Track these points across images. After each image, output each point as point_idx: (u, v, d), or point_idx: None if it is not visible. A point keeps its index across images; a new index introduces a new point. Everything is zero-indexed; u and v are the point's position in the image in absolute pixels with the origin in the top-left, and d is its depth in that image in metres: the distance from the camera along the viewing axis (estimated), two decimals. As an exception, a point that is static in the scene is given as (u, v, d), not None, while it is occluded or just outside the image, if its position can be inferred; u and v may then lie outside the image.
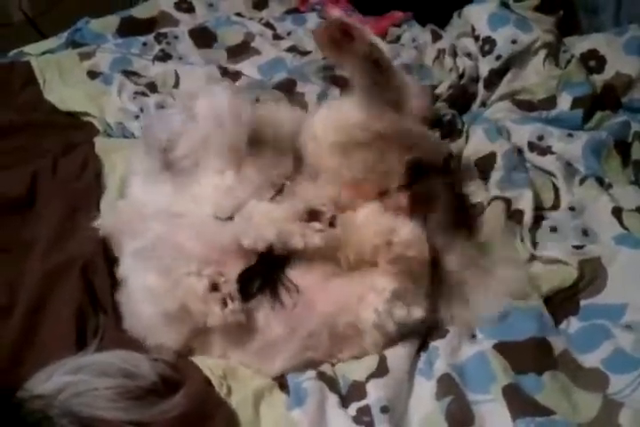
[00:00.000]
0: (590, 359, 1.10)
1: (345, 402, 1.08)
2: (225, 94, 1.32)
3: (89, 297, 1.21)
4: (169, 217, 1.24)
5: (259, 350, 1.13)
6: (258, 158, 1.28)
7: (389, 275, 1.13)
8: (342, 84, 1.83)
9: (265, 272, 1.16)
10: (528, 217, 1.35)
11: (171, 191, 1.27)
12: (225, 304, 1.10)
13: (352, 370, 1.13)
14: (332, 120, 1.27)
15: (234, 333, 1.13)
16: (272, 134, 1.32)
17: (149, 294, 1.14)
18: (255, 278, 1.15)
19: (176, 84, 1.90)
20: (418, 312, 1.14)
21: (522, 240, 1.31)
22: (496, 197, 1.39)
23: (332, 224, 1.17)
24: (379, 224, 1.18)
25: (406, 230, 1.16)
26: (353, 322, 1.13)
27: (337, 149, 1.26)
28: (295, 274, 1.16)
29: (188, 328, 1.13)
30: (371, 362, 1.13)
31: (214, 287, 1.11)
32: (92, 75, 1.92)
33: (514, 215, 1.36)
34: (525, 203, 1.37)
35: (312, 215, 1.17)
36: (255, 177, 1.26)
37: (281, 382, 1.12)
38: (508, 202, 1.37)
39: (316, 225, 1.16)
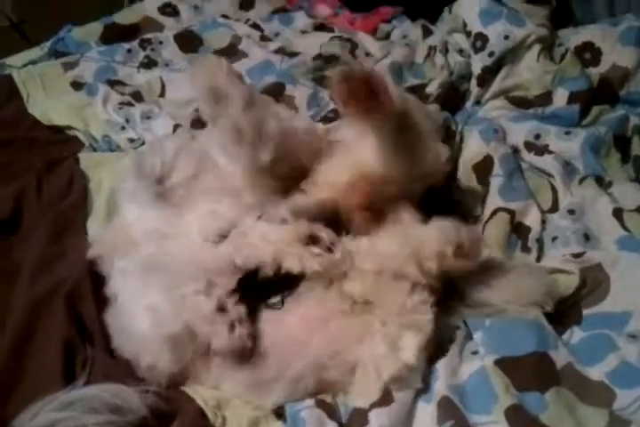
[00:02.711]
0: (595, 372, 1.07)
1: (345, 431, 1.05)
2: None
3: (76, 327, 1.17)
4: (160, 238, 1.19)
5: (251, 384, 1.10)
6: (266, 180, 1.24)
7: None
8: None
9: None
10: (536, 231, 1.33)
11: (163, 218, 1.22)
12: (233, 328, 1.06)
13: (354, 398, 1.09)
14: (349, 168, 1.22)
15: (231, 362, 1.09)
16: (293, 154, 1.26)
17: (150, 311, 1.10)
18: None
19: (162, 93, 1.85)
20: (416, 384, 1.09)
21: (525, 251, 1.29)
22: (499, 209, 1.35)
23: (330, 250, 1.12)
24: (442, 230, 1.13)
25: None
26: (344, 371, 1.09)
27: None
28: (297, 308, 1.13)
29: (187, 351, 1.09)
30: (374, 390, 1.08)
31: (222, 309, 1.07)
32: (76, 85, 1.88)
33: (518, 227, 1.33)
34: (533, 218, 1.35)
35: (311, 240, 1.13)
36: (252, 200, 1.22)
37: (277, 411, 1.09)
38: (512, 213, 1.35)
39: (315, 249, 1.12)
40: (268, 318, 1.12)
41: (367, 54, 1.93)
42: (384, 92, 1.07)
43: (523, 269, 1.21)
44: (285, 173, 1.24)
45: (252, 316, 1.11)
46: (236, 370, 1.09)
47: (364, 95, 1.06)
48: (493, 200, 1.38)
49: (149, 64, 1.96)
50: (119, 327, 1.15)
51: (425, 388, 1.08)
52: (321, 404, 1.07)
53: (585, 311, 1.18)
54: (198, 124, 1.74)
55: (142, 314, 1.10)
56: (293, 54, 1.94)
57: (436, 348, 1.13)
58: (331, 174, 1.25)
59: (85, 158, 1.61)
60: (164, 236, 1.19)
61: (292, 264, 1.11)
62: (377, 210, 1.21)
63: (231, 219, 1.18)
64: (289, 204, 1.20)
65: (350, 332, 1.10)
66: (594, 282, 1.20)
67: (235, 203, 1.20)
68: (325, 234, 1.15)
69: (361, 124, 1.18)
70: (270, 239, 1.13)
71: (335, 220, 1.19)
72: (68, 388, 1.05)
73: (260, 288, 1.13)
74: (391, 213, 1.22)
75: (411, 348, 1.08)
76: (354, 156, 1.26)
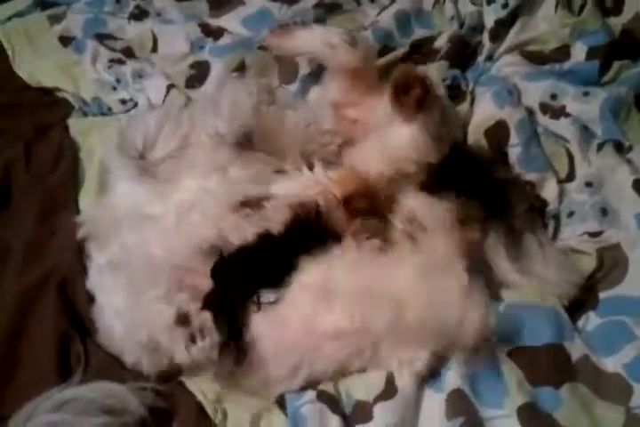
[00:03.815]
0: (611, 364, 1.02)
1: (348, 424, 1.01)
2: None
3: (70, 318, 1.13)
4: (141, 222, 1.13)
5: (258, 382, 1.05)
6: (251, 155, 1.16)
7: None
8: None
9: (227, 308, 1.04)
10: (553, 206, 1.26)
11: (151, 195, 1.16)
12: (194, 340, 1.00)
13: (356, 387, 1.05)
14: (385, 154, 1.15)
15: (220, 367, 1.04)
16: (274, 138, 1.19)
17: (118, 317, 1.06)
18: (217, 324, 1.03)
19: (154, 48, 1.75)
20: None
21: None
22: (521, 181, 1.28)
23: (260, 206, 1.07)
24: None
25: None
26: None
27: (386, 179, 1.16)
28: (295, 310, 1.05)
29: (161, 358, 1.04)
30: (377, 380, 1.04)
31: (184, 319, 1.01)
32: (64, 41, 1.78)
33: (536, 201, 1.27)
34: (550, 190, 1.28)
35: (245, 204, 1.08)
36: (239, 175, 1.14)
37: (280, 402, 1.05)
38: (532, 186, 1.28)
39: (246, 211, 1.06)
40: (265, 322, 1.05)
41: (372, 1, 1.81)
42: (432, 91, 1.10)
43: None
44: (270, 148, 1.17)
45: (243, 312, 1.04)
46: (237, 371, 1.04)
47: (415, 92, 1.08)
48: (515, 172, 1.31)
49: (140, 15, 1.85)
50: (100, 327, 1.11)
51: (433, 376, 1.04)
52: (322, 396, 1.03)
53: (601, 295, 1.12)
54: (194, 81, 1.65)
55: (114, 318, 1.06)
56: (293, 1, 1.81)
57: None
58: (366, 162, 1.18)
59: (75, 124, 1.53)
60: (149, 218, 1.12)
61: (233, 238, 1.06)
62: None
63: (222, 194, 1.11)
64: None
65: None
66: (611, 263, 1.14)
67: (222, 179, 1.13)
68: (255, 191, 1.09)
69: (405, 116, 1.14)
70: (208, 216, 1.07)
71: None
72: (62, 385, 1.02)
73: (250, 281, 1.07)
74: None
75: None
76: (389, 142, 1.18)
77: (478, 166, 1.22)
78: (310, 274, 1.05)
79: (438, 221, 1.11)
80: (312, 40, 1.26)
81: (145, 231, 1.11)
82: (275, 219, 1.05)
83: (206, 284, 1.05)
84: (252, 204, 1.07)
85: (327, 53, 1.23)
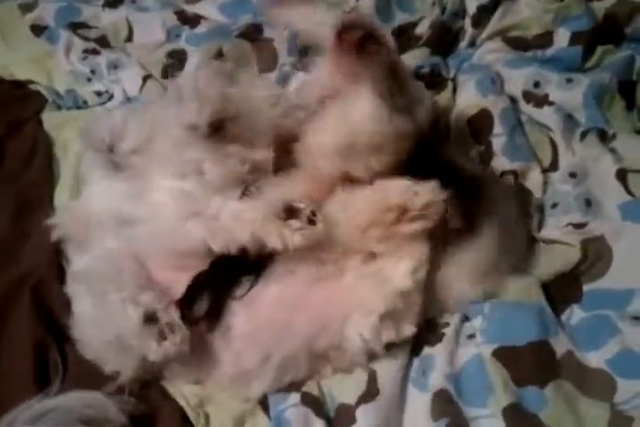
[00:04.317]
0: (595, 359, 1.01)
1: (332, 427, 1.00)
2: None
3: (46, 324, 1.11)
4: (121, 223, 1.10)
5: (232, 376, 1.04)
6: (224, 149, 1.12)
7: (380, 293, 1.01)
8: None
9: (215, 286, 1.04)
10: (536, 196, 1.24)
11: (125, 194, 1.13)
12: (164, 337, 0.98)
13: (340, 389, 1.04)
14: (342, 127, 1.10)
15: (198, 361, 1.03)
16: (245, 122, 1.15)
17: (88, 322, 1.05)
18: (203, 295, 1.03)
19: (129, 37, 1.71)
20: (408, 329, 1.03)
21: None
22: (506, 172, 1.27)
23: (311, 221, 1.03)
24: (398, 185, 1.05)
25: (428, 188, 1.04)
26: (335, 343, 1.02)
27: (342, 153, 1.10)
28: (270, 287, 1.04)
29: (135, 360, 1.02)
30: (360, 380, 1.03)
31: (151, 317, 0.99)
32: (37, 30, 1.74)
33: (520, 190, 1.25)
34: (534, 180, 1.26)
35: (289, 213, 1.04)
36: (219, 173, 1.11)
37: (263, 405, 1.04)
38: (515, 175, 1.27)
39: (295, 223, 1.03)
40: (239, 304, 1.04)
41: (353, -16, 1.76)
42: (384, 40, 1.02)
43: None
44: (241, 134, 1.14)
45: (220, 303, 1.03)
46: (213, 364, 1.03)
47: (364, 44, 1.01)
48: (498, 161, 1.29)
49: (115, 2, 1.81)
50: (77, 333, 1.09)
51: (418, 374, 1.04)
52: (306, 399, 1.01)
53: (585, 287, 1.11)
54: (171, 71, 1.62)
55: (84, 323, 1.05)
56: (271, -14, 1.77)
57: (433, 331, 1.09)
58: (322, 135, 1.13)
59: (49, 118, 1.50)
60: (130, 221, 1.10)
61: (274, 243, 1.02)
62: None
63: (202, 197, 1.09)
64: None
65: (334, 299, 1.03)
66: (595, 255, 1.12)
67: (199, 179, 1.10)
68: (304, 204, 1.05)
69: (353, 77, 1.08)
70: (245, 218, 1.04)
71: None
72: (40, 395, 0.99)
73: (227, 273, 1.05)
74: None
75: (401, 272, 1.02)
76: (346, 112, 1.13)
77: (449, 166, 1.19)
78: None
79: None
80: (310, 18, 1.22)
81: (123, 233, 1.08)
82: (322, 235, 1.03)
83: (181, 279, 1.04)
84: (298, 214, 1.04)
85: (320, 35, 1.18)
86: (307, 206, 1.04)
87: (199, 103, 1.11)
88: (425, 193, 1.03)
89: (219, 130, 1.12)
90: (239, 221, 1.03)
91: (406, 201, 1.02)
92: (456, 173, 1.14)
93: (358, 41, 1.00)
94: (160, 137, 1.16)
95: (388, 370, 1.03)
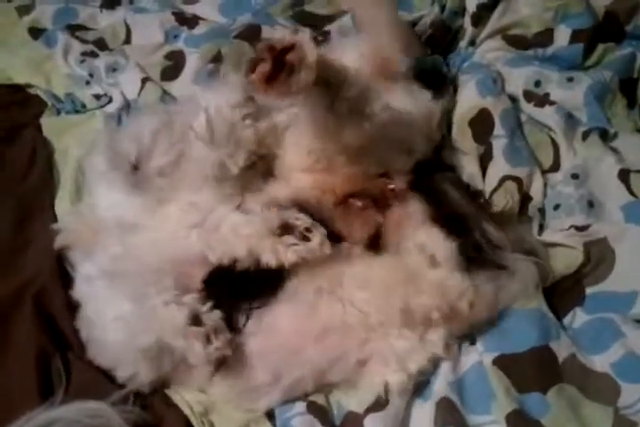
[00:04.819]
0: (599, 362, 1.01)
1: (338, 436, 1.01)
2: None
3: (49, 333, 1.10)
4: (129, 232, 1.10)
5: (242, 390, 1.04)
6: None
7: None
8: (314, 21, 1.66)
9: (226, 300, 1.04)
10: (538, 199, 1.23)
11: (140, 208, 1.12)
12: (209, 341, 0.98)
13: (348, 398, 1.04)
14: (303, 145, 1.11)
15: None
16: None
17: (121, 324, 1.03)
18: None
19: (127, 39, 1.70)
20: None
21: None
22: (507, 177, 1.25)
23: (305, 238, 1.04)
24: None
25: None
26: (350, 377, 1.03)
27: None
28: (290, 310, 1.04)
29: (164, 363, 1.03)
30: (369, 391, 1.03)
31: (195, 319, 0.99)
32: (35, 33, 1.73)
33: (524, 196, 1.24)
34: (536, 184, 1.25)
35: (285, 229, 1.04)
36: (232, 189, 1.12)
37: (269, 414, 1.04)
38: (519, 182, 1.24)
39: (290, 239, 1.03)
40: (257, 324, 1.04)
41: (350, -18, 1.75)
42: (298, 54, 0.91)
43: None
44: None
45: (233, 317, 1.04)
46: (223, 376, 1.03)
47: (278, 69, 0.91)
48: (499, 166, 1.27)
49: (112, 3, 1.81)
50: (91, 338, 1.08)
51: (423, 385, 1.03)
52: (312, 407, 1.02)
53: (588, 290, 1.11)
54: (169, 73, 1.61)
55: (113, 326, 1.03)
56: (271, -13, 1.76)
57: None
58: (289, 160, 1.14)
59: (48, 124, 1.49)
60: (135, 228, 1.09)
61: (267, 258, 1.03)
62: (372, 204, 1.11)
63: (209, 210, 1.09)
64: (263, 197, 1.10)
65: (352, 337, 1.02)
66: (598, 257, 1.12)
67: (214, 193, 1.10)
68: (299, 221, 1.05)
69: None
70: (242, 233, 1.04)
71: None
72: (45, 405, 0.99)
73: (240, 286, 1.05)
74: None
75: (439, 339, 1.03)
76: (300, 135, 1.14)
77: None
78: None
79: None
80: None
81: (135, 243, 1.08)
82: (319, 252, 1.03)
83: None
84: (292, 230, 1.04)
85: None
86: (302, 223, 1.05)
87: (234, 146, 1.11)
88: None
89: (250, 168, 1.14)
90: (236, 235, 1.04)
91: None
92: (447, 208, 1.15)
93: (266, 75, 0.91)
94: (186, 159, 1.15)
95: (396, 382, 1.03)
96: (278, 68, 0.90)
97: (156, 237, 1.08)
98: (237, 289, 1.05)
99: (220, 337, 0.98)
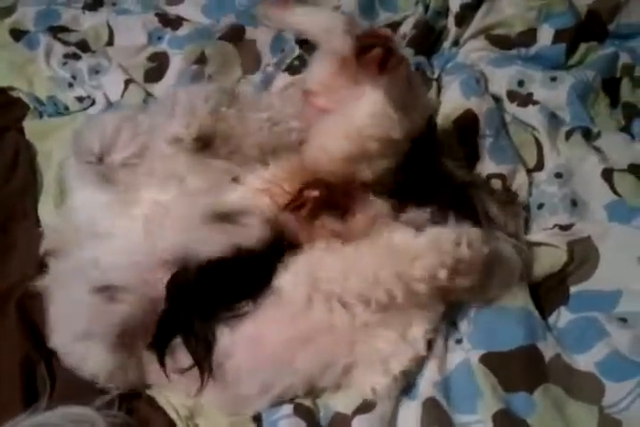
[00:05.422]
0: (583, 362, 1.01)
1: (325, 437, 1.00)
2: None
3: (33, 338, 1.09)
4: (95, 236, 1.10)
5: (230, 399, 1.03)
6: (209, 163, 1.12)
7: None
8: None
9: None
10: (522, 198, 1.24)
11: (106, 206, 1.12)
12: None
13: (336, 399, 1.03)
14: (345, 131, 1.08)
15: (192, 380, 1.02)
16: (234, 142, 1.14)
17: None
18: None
19: (110, 40, 1.69)
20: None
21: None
22: (492, 175, 1.27)
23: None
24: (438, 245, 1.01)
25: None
26: (340, 382, 1.02)
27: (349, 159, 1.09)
28: (276, 322, 1.01)
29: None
30: (357, 392, 1.02)
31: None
32: (16, 34, 1.72)
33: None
34: (520, 183, 1.26)
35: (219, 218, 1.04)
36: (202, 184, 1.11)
37: (255, 417, 1.03)
38: (503, 179, 1.26)
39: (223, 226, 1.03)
40: (239, 333, 1.02)
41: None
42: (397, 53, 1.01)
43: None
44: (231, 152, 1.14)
45: (212, 327, 1.02)
46: (211, 387, 1.02)
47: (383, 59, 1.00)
48: (485, 164, 1.28)
49: (95, 4, 1.80)
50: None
51: (409, 385, 1.03)
52: (299, 410, 1.01)
53: (572, 289, 1.11)
54: (152, 75, 1.60)
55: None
56: (253, -15, 1.75)
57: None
58: (326, 140, 1.11)
59: (31, 127, 1.48)
60: (104, 232, 1.09)
61: (203, 251, 1.02)
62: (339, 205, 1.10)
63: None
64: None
65: (339, 342, 1.00)
66: (582, 256, 1.12)
67: (180, 190, 1.10)
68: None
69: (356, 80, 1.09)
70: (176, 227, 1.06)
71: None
72: (28, 411, 0.98)
73: (215, 293, 1.04)
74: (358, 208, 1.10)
75: (421, 338, 1.02)
76: (349, 118, 1.11)
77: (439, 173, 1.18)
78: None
79: None
80: (312, 21, 1.20)
81: (98, 247, 1.08)
82: (252, 236, 1.02)
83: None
84: (226, 218, 1.03)
85: (323, 37, 1.17)
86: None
87: (189, 117, 1.10)
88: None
89: (206, 146, 1.12)
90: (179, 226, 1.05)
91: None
92: (446, 179, 1.14)
93: (379, 60, 0.99)
94: (149, 151, 1.14)
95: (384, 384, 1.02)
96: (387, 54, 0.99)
97: (122, 242, 1.07)
98: (212, 296, 1.03)
99: None
